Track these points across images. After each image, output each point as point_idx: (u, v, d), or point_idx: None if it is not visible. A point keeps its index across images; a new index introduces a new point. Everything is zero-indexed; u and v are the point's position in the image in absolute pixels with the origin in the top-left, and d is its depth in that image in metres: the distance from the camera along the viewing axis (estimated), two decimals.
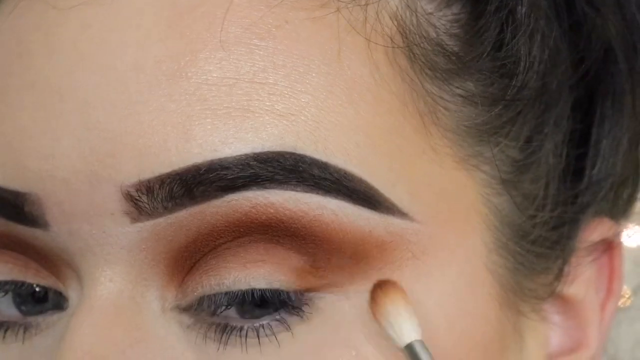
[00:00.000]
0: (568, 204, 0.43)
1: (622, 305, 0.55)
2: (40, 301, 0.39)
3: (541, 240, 0.42)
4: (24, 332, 0.39)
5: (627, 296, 0.56)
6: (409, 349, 0.36)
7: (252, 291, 0.36)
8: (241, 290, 0.36)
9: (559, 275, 0.43)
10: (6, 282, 0.39)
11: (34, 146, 0.36)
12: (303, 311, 0.36)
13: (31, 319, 0.39)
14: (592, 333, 0.44)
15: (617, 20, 0.43)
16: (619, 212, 0.48)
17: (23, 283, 0.39)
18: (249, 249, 0.36)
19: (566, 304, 0.44)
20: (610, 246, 0.45)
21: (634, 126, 0.45)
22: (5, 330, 0.39)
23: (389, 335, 0.36)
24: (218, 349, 0.36)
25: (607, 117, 0.44)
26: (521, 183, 0.41)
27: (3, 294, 0.40)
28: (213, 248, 0.36)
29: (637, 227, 0.54)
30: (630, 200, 0.49)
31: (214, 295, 0.36)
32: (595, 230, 0.44)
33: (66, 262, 0.37)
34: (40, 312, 0.39)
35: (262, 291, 0.36)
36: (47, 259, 0.38)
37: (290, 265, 0.36)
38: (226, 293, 0.36)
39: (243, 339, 0.36)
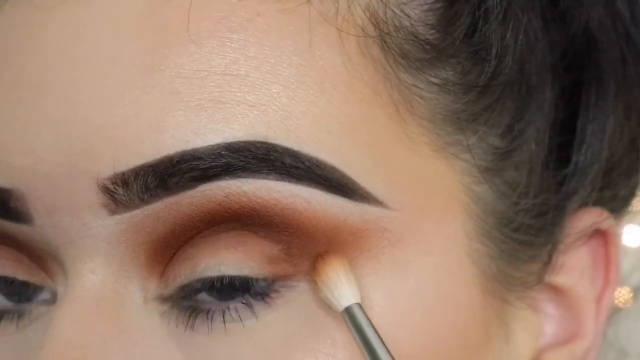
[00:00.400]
0: (552, 191, 0.43)
1: (622, 306, 0.55)
2: (26, 285, 0.40)
3: (525, 228, 0.42)
4: (18, 318, 0.40)
5: (629, 297, 0.56)
6: (347, 312, 0.36)
7: (222, 277, 0.37)
8: (211, 277, 0.37)
9: (547, 264, 0.43)
10: None
11: (16, 141, 0.37)
12: (270, 297, 0.37)
13: (24, 306, 0.40)
14: (588, 324, 0.44)
15: (598, 6, 0.43)
16: (621, 202, 0.48)
17: (13, 279, 0.40)
18: (223, 236, 0.37)
19: (558, 293, 0.44)
20: (605, 237, 0.45)
21: (619, 114, 0.45)
22: (1, 317, 0.40)
23: (329, 302, 0.36)
24: (185, 331, 0.37)
25: (592, 104, 0.44)
26: (503, 170, 0.41)
27: None
28: (190, 238, 0.37)
29: (637, 227, 0.54)
30: (630, 193, 0.49)
31: (189, 283, 0.37)
32: (582, 219, 0.44)
33: (52, 257, 0.38)
34: (34, 299, 0.40)
35: (231, 277, 0.37)
36: (35, 254, 0.39)
37: (262, 252, 0.37)
38: (198, 280, 0.37)
39: (209, 322, 0.37)
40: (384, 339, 0.37)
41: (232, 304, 0.37)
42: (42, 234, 0.38)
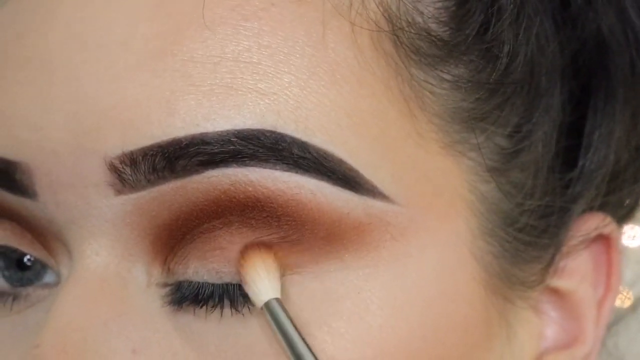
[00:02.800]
0: (557, 193, 0.43)
1: (622, 306, 0.55)
2: (25, 269, 0.40)
3: (529, 229, 0.42)
4: (13, 301, 0.40)
5: (629, 298, 0.56)
6: (266, 307, 0.36)
7: (205, 284, 0.37)
8: (197, 282, 0.37)
9: (549, 266, 0.43)
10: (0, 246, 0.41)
11: (24, 117, 0.38)
12: (250, 301, 0.37)
13: (20, 289, 0.40)
14: (588, 329, 0.44)
15: (609, 12, 0.43)
16: (625, 208, 0.48)
17: (15, 250, 0.40)
18: (217, 235, 0.37)
19: (559, 297, 0.44)
20: (607, 242, 0.45)
21: (627, 119, 0.45)
22: None
23: (251, 297, 0.36)
24: (185, 316, 0.37)
25: (600, 109, 0.44)
26: (509, 171, 0.41)
27: None
28: (191, 230, 0.37)
29: (637, 227, 0.54)
30: (636, 200, 0.49)
31: (181, 282, 0.38)
32: (587, 224, 0.44)
33: (55, 236, 0.39)
34: (27, 283, 0.40)
35: (214, 286, 0.37)
36: (38, 232, 0.39)
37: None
38: (189, 282, 0.37)
39: (207, 310, 0.37)
40: (383, 330, 0.37)
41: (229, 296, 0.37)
42: (45, 211, 0.38)
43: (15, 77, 0.38)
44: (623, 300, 0.54)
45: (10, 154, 0.38)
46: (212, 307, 0.37)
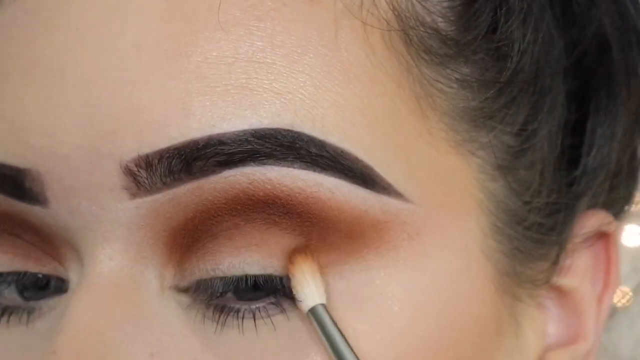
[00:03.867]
0: (563, 191, 0.43)
1: (622, 305, 0.56)
2: (42, 288, 0.40)
3: (536, 226, 0.42)
4: (28, 316, 0.39)
5: (627, 297, 0.56)
6: (312, 312, 0.36)
7: (246, 277, 0.37)
8: (235, 276, 0.37)
9: (555, 263, 0.43)
10: (8, 274, 0.40)
11: (35, 122, 0.37)
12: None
13: (34, 303, 0.39)
14: (589, 325, 0.44)
15: (611, 12, 0.44)
16: (615, 205, 0.48)
17: (25, 272, 0.40)
18: (244, 232, 0.37)
19: (562, 294, 0.44)
20: (606, 239, 0.46)
21: (629, 118, 0.45)
22: (10, 315, 0.40)
23: (297, 302, 0.36)
24: (215, 331, 0.37)
25: (602, 108, 0.45)
26: (516, 169, 0.42)
27: (6, 285, 0.40)
28: (209, 228, 0.37)
29: (635, 227, 0.55)
30: (629, 195, 0.50)
31: (210, 279, 0.37)
32: (589, 220, 0.45)
33: (66, 241, 0.38)
34: (43, 297, 0.40)
35: (256, 277, 0.37)
36: (47, 239, 0.39)
37: (284, 250, 0.37)
38: (221, 278, 0.37)
39: (240, 321, 0.37)
40: (404, 331, 0.37)
41: (261, 303, 0.37)
42: (57, 217, 0.37)
43: (22, 81, 0.38)
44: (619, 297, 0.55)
45: (19, 160, 0.37)
46: (237, 318, 0.37)
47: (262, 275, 0.37)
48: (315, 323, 0.36)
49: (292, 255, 0.37)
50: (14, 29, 0.39)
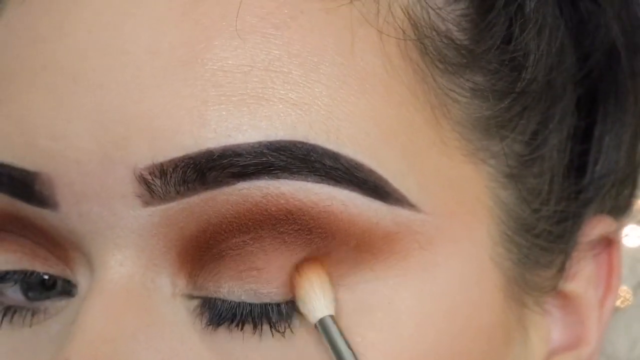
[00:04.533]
0: (571, 199, 0.44)
1: (621, 305, 0.56)
2: (47, 288, 0.39)
3: (545, 234, 0.42)
4: (32, 316, 0.39)
5: (628, 296, 0.57)
6: (320, 324, 0.36)
7: (242, 304, 0.37)
8: (233, 302, 0.37)
9: (562, 270, 0.44)
10: (15, 272, 0.40)
11: (45, 126, 0.37)
12: (287, 323, 0.37)
13: (38, 304, 0.39)
14: (592, 329, 0.45)
15: (620, 19, 0.44)
16: (618, 210, 0.49)
17: (32, 272, 0.39)
18: (250, 252, 0.36)
19: (566, 300, 0.44)
20: (609, 243, 0.46)
21: (636, 124, 0.46)
22: (13, 314, 0.40)
23: (304, 314, 0.36)
24: (219, 333, 0.37)
25: (610, 115, 0.45)
26: (526, 177, 0.42)
27: (12, 283, 0.40)
28: (219, 244, 0.36)
29: (636, 226, 0.55)
30: (630, 199, 0.50)
31: (214, 299, 0.37)
32: (596, 227, 0.45)
33: (75, 246, 0.38)
34: (48, 298, 0.39)
35: (252, 306, 0.37)
36: (56, 242, 0.38)
37: (288, 270, 0.37)
38: (223, 301, 0.37)
39: (243, 328, 0.37)
40: (413, 340, 0.37)
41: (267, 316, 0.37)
42: (66, 222, 0.37)
43: (31, 83, 0.37)
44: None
45: (29, 164, 0.37)
46: (252, 328, 0.36)
47: (258, 305, 0.37)
48: (323, 335, 0.36)
49: (300, 266, 0.37)
50: (22, 30, 0.39)
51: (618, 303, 0.56)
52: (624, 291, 0.56)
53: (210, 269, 0.37)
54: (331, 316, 0.36)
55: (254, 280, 0.37)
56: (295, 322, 0.37)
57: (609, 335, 0.55)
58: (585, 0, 0.43)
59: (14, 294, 0.40)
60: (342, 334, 0.36)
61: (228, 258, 0.37)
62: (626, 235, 0.56)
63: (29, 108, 0.37)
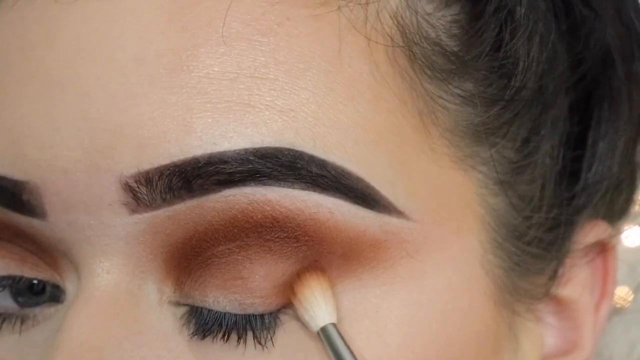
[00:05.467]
0: (564, 205, 0.43)
1: (620, 307, 0.56)
2: (38, 293, 0.39)
3: (537, 242, 0.42)
4: (21, 323, 0.39)
5: (628, 298, 0.56)
6: (323, 332, 0.36)
7: (227, 314, 0.37)
8: (219, 312, 0.37)
9: (554, 276, 0.43)
10: (3, 277, 0.40)
11: (33, 135, 0.37)
12: (270, 334, 0.36)
13: (28, 311, 0.39)
14: (587, 334, 0.44)
15: (614, 24, 0.44)
16: (615, 215, 0.48)
17: (21, 277, 0.39)
18: (235, 261, 0.36)
19: (561, 305, 0.44)
20: (604, 248, 0.45)
21: (630, 130, 0.45)
22: (2, 321, 0.39)
23: (305, 322, 0.36)
24: (204, 341, 0.37)
25: (604, 120, 0.45)
26: (517, 184, 0.41)
27: (1, 289, 0.40)
28: (204, 251, 0.36)
29: (635, 227, 0.55)
30: (627, 204, 0.50)
31: (200, 309, 0.37)
32: (590, 233, 0.44)
33: (63, 254, 0.38)
34: (37, 304, 0.39)
35: (236, 317, 0.36)
36: (44, 250, 0.38)
37: (272, 281, 0.36)
38: (209, 310, 0.37)
39: (225, 337, 0.37)
40: (401, 349, 0.37)
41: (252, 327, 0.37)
42: (55, 230, 0.37)
43: (21, 92, 0.37)
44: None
45: (17, 173, 0.37)
46: (236, 339, 0.36)
47: (241, 316, 0.37)
48: (325, 343, 0.36)
49: (301, 273, 0.36)
50: (12, 37, 0.39)
51: (620, 303, 0.56)
52: (624, 292, 0.55)
53: (196, 277, 0.37)
54: (333, 324, 0.36)
55: (238, 290, 0.36)
56: (278, 332, 0.37)
57: (607, 339, 0.55)
58: (579, 6, 0.43)
59: (4, 301, 0.40)
60: (345, 342, 0.36)
61: (214, 267, 0.36)
62: (627, 236, 0.56)
63: (18, 117, 0.37)
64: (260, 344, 0.36)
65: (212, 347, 0.37)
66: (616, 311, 0.57)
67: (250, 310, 0.36)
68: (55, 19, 0.38)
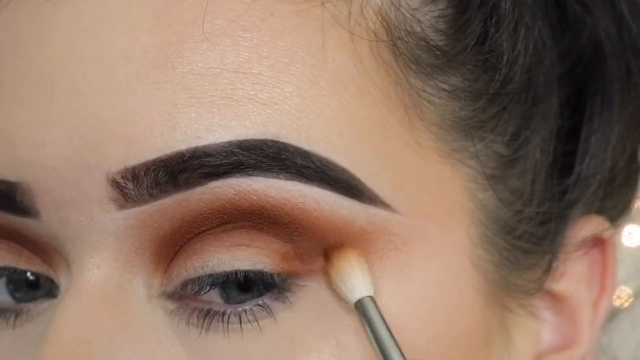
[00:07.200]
0: (555, 200, 0.43)
1: (621, 306, 0.55)
2: (33, 287, 0.40)
3: (528, 236, 0.42)
4: (15, 318, 0.40)
5: (629, 298, 0.56)
6: (359, 304, 0.36)
7: (236, 272, 0.37)
8: (225, 272, 0.37)
9: (547, 271, 0.43)
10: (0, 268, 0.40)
11: (25, 135, 0.37)
12: (286, 297, 0.37)
13: (23, 306, 0.40)
14: (584, 330, 0.44)
15: (606, 18, 0.44)
16: (615, 212, 0.48)
17: (15, 269, 0.40)
18: (233, 234, 0.37)
19: (556, 300, 0.44)
20: (602, 243, 0.45)
21: (623, 125, 0.45)
22: None
23: (342, 293, 0.36)
24: (200, 334, 0.37)
25: (597, 114, 0.45)
26: (507, 178, 0.41)
27: None
28: (197, 234, 0.37)
29: (636, 227, 0.54)
30: (629, 203, 0.49)
31: (198, 278, 0.37)
32: (584, 227, 0.44)
33: (57, 250, 0.38)
34: (33, 299, 0.40)
35: (246, 272, 0.37)
36: (39, 247, 0.39)
37: (274, 249, 0.37)
38: (210, 275, 0.37)
39: (225, 324, 0.37)
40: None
41: (248, 305, 0.37)
42: (48, 228, 0.38)
43: (15, 94, 0.38)
44: (617, 298, 0.55)
45: (10, 175, 0.37)
46: (225, 326, 0.37)
47: (252, 271, 0.37)
48: (361, 315, 0.36)
49: (337, 247, 0.37)
50: (5, 37, 0.39)
51: (621, 302, 0.55)
52: (624, 292, 0.55)
53: (191, 252, 0.37)
54: (371, 297, 0.36)
55: (244, 251, 0.37)
56: (277, 307, 0.37)
57: (614, 337, 0.55)
58: (571, 0, 0.43)
59: (3, 294, 0.40)
60: (381, 315, 0.36)
61: (212, 239, 0.37)
62: (630, 234, 0.56)
63: (11, 117, 0.38)
64: (249, 324, 0.36)
65: (201, 333, 0.37)
66: (623, 309, 0.56)
67: (260, 266, 0.37)
68: (46, 17, 0.38)
